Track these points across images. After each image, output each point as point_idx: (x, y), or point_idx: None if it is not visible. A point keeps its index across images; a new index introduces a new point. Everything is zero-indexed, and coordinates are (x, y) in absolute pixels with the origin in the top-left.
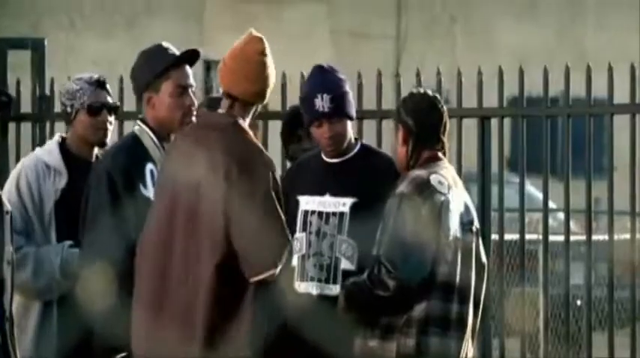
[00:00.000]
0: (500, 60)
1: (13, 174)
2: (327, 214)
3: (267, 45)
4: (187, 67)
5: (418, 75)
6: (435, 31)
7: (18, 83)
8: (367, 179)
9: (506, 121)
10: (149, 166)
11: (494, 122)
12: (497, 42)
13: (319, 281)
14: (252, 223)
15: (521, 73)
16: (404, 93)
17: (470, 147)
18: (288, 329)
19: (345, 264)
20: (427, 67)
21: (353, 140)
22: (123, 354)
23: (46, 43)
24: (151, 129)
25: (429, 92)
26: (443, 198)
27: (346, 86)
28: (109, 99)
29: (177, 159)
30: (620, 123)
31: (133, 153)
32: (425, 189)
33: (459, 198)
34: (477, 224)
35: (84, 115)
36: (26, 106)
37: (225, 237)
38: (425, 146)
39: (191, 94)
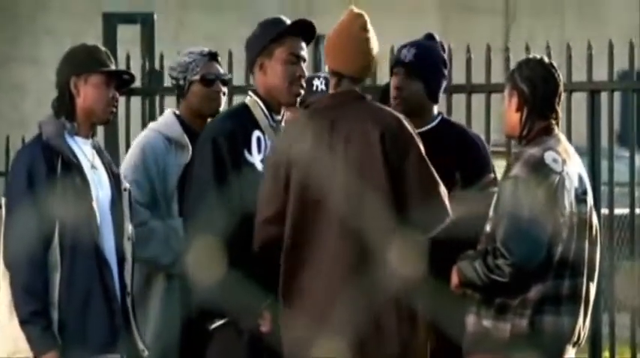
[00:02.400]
0: (611, 35)
1: (134, 149)
2: None
3: (367, 19)
4: (302, 41)
5: (527, 49)
6: (543, 5)
7: (128, 58)
8: (449, 151)
9: (617, 95)
10: (256, 133)
11: (604, 96)
12: (607, 16)
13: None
14: (421, 181)
15: (632, 46)
16: (512, 67)
17: (579, 122)
18: None
19: None
20: (536, 41)
21: (434, 112)
22: (222, 321)
23: (155, 17)
24: (262, 99)
25: (545, 59)
26: (558, 177)
27: (439, 60)
28: (221, 71)
29: (317, 139)
30: None
31: (240, 119)
32: (540, 169)
33: (573, 171)
34: (589, 192)
35: (198, 87)
36: (136, 81)
37: (394, 200)
38: (539, 116)
39: (302, 66)
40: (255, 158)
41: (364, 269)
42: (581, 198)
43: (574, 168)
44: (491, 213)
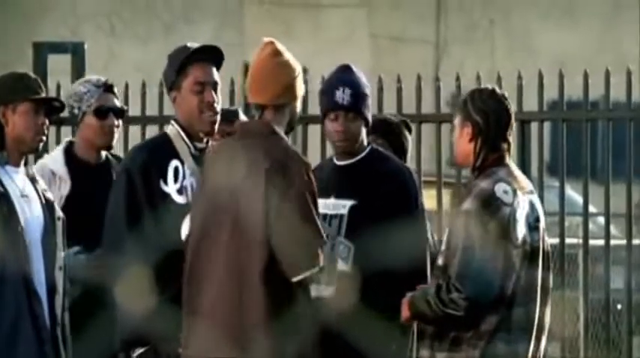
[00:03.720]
0: (540, 64)
1: None
2: (330, 216)
3: (279, 45)
4: (209, 66)
5: (458, 79)
6: (474, 35)
7: (58, 87)
8: (370, 182)
9: (546, 125)
10: (174, 163)
11: (534, 126)
12: (537, 46)
13: (317, 283)
14: (289, 224)
15: (561, 76)
16: (443, 97)
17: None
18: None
19: (340, 265)
20: (466, 71)
21: (365, 143)
22: (142, 349)
23: (86, 47)
24: (184, 128)
25: (497, 90)
26: (509, 209)
27: (368, 91)
28: (117, 103)
29: (218, 166)
30: None
31: (156, 149)
32: (491, 203)
33: (524, 200)
34: (542, 218)
35: (91, 118)
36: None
37: (266, 239)
38: (492, 147)
39: (211, 91)
40: (171, 188)
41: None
42: (533, 225)
43: (525, 196)
44: (442, 246)
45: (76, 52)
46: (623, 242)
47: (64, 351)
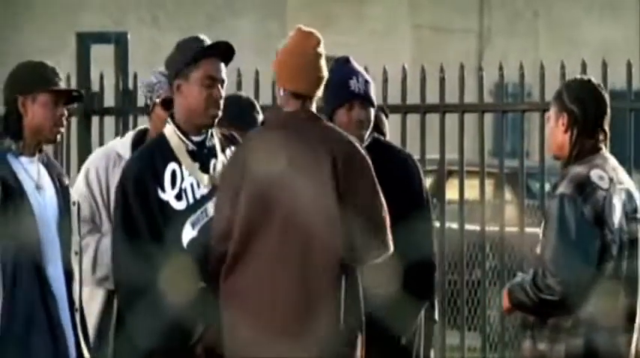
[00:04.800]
0: (583, 55)
1: (84, 165)
2: None
3: (320, 38)
4: (220, 62)
5: (501, 69)
6: (517, 26)
7: (101, 77)
8: (378, 170)
9: None
10: (171, 166)
11: None
12: (580, 37)
13: None
14: (364, 209)
15: (605, 66)
16: (486, 87)
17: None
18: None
19: None
20: (509, 62)
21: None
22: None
23: (129, 37)
24: (178, 125)
25: (593, 79)
26: (605, 193)
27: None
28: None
29: (270, 156)
30: None
31: (151, 156)
32: (586, 187)
33: (621, 189)
34: None
35: (160, 109)
36: (109, 100)
37: (335, 226)
38: (588, 135)
39: (219, 88)
40: (169, 194)
41: (309, 285)
42: (630, 216)
43: (622, 186)
44: (540, 234)
45: (119, 42)
46: None
47: (82, 336)
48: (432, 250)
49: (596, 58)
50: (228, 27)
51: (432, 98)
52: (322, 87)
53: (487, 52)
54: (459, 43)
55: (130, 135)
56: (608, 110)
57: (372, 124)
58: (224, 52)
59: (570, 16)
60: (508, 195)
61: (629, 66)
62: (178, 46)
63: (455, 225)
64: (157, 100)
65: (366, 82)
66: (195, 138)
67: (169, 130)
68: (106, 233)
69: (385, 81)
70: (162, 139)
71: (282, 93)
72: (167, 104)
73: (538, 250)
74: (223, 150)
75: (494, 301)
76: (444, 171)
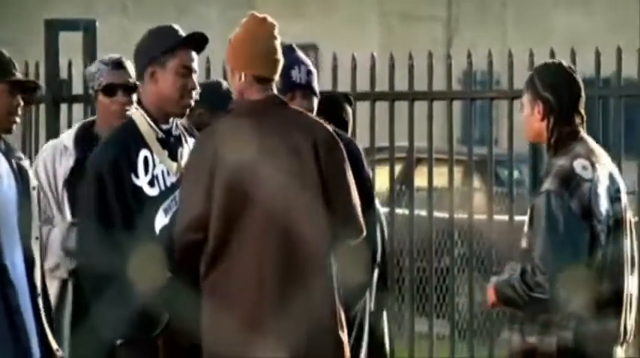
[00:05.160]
0: (552, 44)
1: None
2: None
3: (275, 24)
4: (194, 53)
5: (469, 57)
6: (486, 15)
7: (70, 65)
8: None
9: None
10: (143, 153)
11: None
12: (549, 26)
13: None
14: (347, 188)
15: (573, 54)
16: (454, 75)
17: (521, 128)
18: None
19: None
20: (478, 49)
21: None
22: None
23: (97, 25)
24: (147, 111)
25: (564, 63)
26: (590, 184)
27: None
28: (129, 79)
29: (245, 145)
30: None
31: (125, 141)
32: (571, 181)
33: (604, 173)
34: (623, 188)
35: (101, 96)
36: (78, 88)
37: (324, 212)
38: (565, 122)
39: (193, 78)
40: (142, 180)
41: (298, 276)
42: (614, 196)
43: (604, 169)
44: (525, 228)
45: (88, 30)
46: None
47: (46, 322)
48: (374, 234)
49: (564, 47)
50: (198, 15)
51: (401, 86)
52: (278, 70)
53: (456, 40)
54: (427, 31)
55: (78, 124)
56: (583, 93)
57: (314, 114)
58: (198, 42)
59: (538, 5)
60: (477, 182)
61: (597, 54)
62: (151, 33)
63: (424, 213)
64: (99, 88)
65: (309, 72)
66: (164, 126)
67: (138, 116)
68: (56, 224)
69: (354, 68)
70: (132, 125)
71: (242, 79)
72: (108, 91)
73: (524, 244)
74: (186, 140)
75: (462, 288)
76: (413, 158)
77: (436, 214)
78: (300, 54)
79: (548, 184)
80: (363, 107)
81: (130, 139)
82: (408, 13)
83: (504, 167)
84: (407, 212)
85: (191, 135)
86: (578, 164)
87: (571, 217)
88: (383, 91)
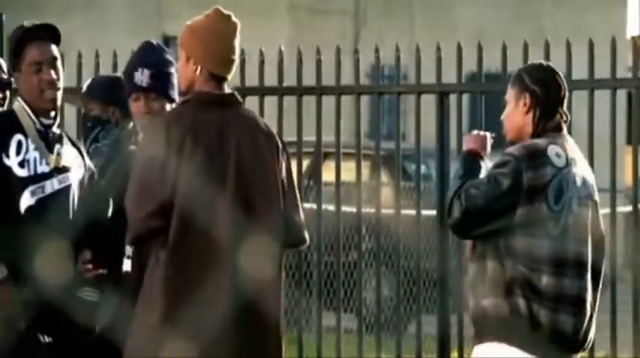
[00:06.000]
0: (459, 37)
1: None
2: None
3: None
4: (46, 44)
5: (377, 51)
6: (393, 8)
7: None
8: None
9: (465, 97)
10: (17, 136)
11: (453, 98)
12: (456, 20)
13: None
14: (295, 192)
15: (480, 49)
16: (362, 69)
17: (429, 123)
18: None
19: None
20: (386, 43)
21: None
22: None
23: (4, 18)
24: (29, 104)
25: (550, 64)
26: (555, 171)
27: (172, 68)
28: (3, 76)
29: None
30: (579, 100)
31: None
32: (537, 158)
33: (576, 172)
34: (596, 197)
35: None
36: None
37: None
38: (550, 116)
39: (49, 69)
40: (13, 161)
41: (252, 280)
42: (583, 201)
43: (579, 170)
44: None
45: None
46: None
47: None
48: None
49: (472, 40)
50: (104, 7)
51: (309, 80)
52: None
53: (363, 34)
54: (335, 24)
55: None
56: (566, 94)
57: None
58: (49, 33)
59: None
60: (384, 177)
61: (504, 48)
62: (8, 40)
63: (331, 207)
64: None
65: (154, 74)
66: (45, 121)
67: (19, 108)
68: None
69: (262, 63)
70: (11, 113)
71: (197, 71)
72: None
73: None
74: (68, 143)
75: (370, 283)
76: (321, 153)
77: (344, 209)
78: (155, 52)
79: (511, 149)
80: (271, 101)
81: (6, 123)
82: (317, 7)
83: (412, 161)
84: (315, 206)
85: (70, 140)
86: (553, 149)
87: (520, 185)
88: (291, 86)
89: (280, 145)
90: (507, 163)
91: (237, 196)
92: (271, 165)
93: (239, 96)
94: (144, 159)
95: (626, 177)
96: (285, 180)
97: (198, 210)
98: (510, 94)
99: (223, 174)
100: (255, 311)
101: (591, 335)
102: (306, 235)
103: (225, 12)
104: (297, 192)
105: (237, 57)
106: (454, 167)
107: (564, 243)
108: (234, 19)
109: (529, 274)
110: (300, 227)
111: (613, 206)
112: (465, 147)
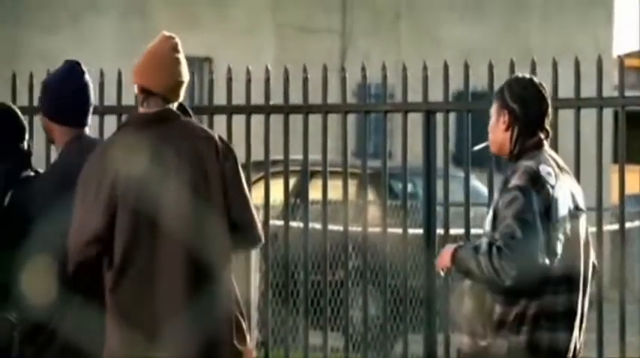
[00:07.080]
0: (445, 55)
1: None
2: None
3: (178, 42)
4: None
5: (363, 69)
6: (379, 26)
7: None
8: None
9: (452, 116)
10: None
11: (439, 117)
12: (443, 38)
13: None
14: (246, 196)
15: (467, 67)
16: (349, 87)
17: (415, 142)
18: None
19: None
20: (372, 62)
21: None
22: None
23: None
24: None
25: (535, 79)
26: (551, 191)
27: (83, 93)
28: None
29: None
30: (565, 118)
31: None
32: (537, 181)
33: (565, 186)
34: (583, 206)
35: None
36: None
37: (227, 224)
38: (530, 134)
39: None
40: None
41: (202, 286)
42: (573, 213)
43: (566, 183)
44: (487, 227)
45: None
46: None
47: None
48: None
49: (458, 59)
50: (92, 25)
51: (296, 98)
52: (181, 90)
53: (350, 52)
54: (322, 42)
55: None
56: (549, 109)
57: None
58: None
59: (432, 17)
60: (371, 195)
61: (490, 67)
62: None
63: (318, 226)
64: None
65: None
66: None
67: None
68: None
69: (249, 81)
70: None
71: (136, 91)
72: None
73: (487, 227)
74: None
75: (356, 301)
76: (308, 171)
77: (330, 227)
78: (57, 77)
79: (515, 180)
80: (257, 120)
81: None
82: (304, 25)
83: (398, 180)
84: (301, 225)
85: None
86: (544, 169)
87: (538, 213)
88: (278, 104)
89: (222, 146)
90: (517, 198)
91: (172, 215)
92: (212, 172)
93: (174, 111)
94: (80, 188)
95: (612, 196)
96: (232, 181)
97: (136, 235)
98: (493, 108)
99: (157, 196)
100: (201, 323)
101: (582, 345)
102: (260, 233)
103: (168, 34)
104: (245, 190)
105: (174, 74)
106: (464, 259)
107: (565, 258)
108: (173, 38)
109: (529, 303)
110: (251, 224)
111: (599, 224)
112: (443, 264)
